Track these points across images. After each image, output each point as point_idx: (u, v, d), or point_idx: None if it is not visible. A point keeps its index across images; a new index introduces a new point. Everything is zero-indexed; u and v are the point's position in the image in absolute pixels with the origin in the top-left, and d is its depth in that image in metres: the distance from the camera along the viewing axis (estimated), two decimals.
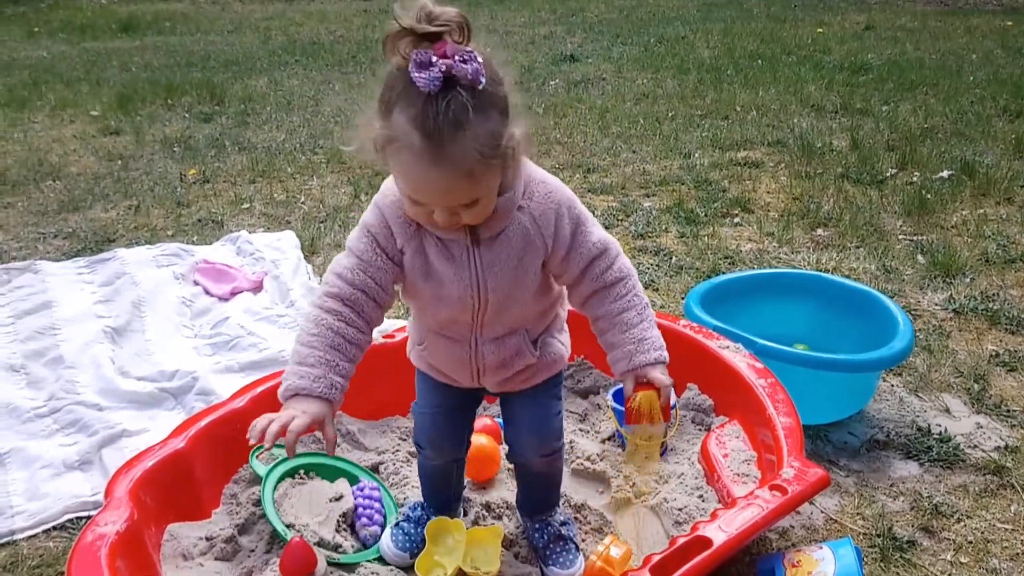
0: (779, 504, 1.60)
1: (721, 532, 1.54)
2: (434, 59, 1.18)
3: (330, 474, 1.98)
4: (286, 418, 1.35)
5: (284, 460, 1.90)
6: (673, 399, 2.13)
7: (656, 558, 1.48)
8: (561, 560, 1.73)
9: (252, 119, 5.92)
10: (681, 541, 1.52)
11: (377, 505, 1.90)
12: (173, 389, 2.44)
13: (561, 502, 1.86)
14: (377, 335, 2.31)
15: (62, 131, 5.70)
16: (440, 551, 1.72)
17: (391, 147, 1.26)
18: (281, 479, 1.90)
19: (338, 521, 1.84)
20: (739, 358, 2.11)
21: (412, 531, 1.79)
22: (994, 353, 2.65)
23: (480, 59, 1.20)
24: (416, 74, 1.18)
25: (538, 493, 1.82)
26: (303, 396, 1.39)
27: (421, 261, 1.43)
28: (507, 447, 1.83)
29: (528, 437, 1.70)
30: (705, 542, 1.52)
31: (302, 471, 1.94)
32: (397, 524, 1.83)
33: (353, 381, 2.17)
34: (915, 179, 4.18)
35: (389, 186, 1.43)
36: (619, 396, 2.08)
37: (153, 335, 2.76)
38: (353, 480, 1.98)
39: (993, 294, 3.03)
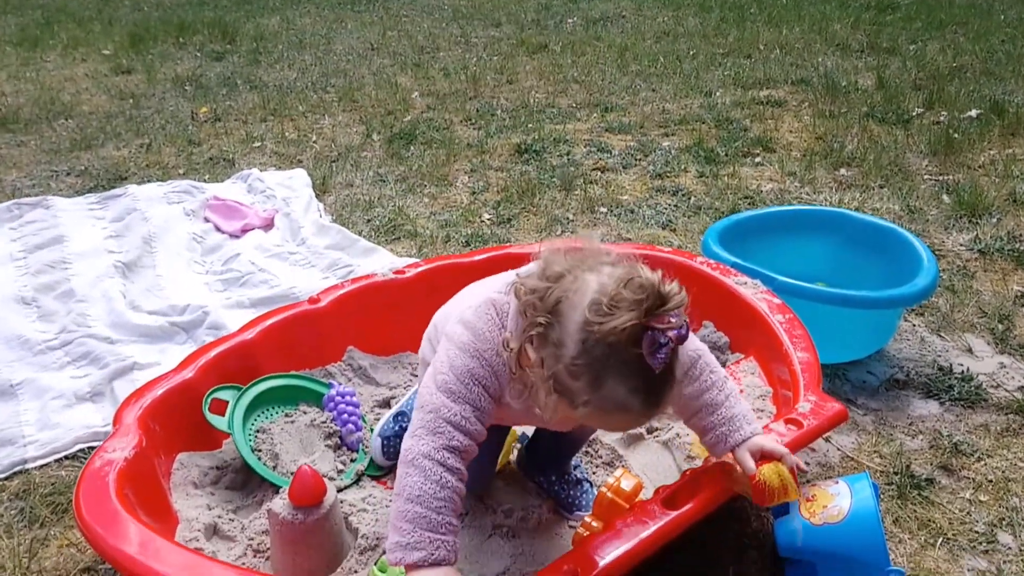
0: (794, 437, 1.57)
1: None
2: (663, 340, 1.14)
3: (289, 398, 1.96)
4: None
5: (237, 402, 1.86)
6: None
7: (667, 490, 1.46)
8: (584, 502, 1.72)
9: (264, 58, 5.83)
10: (692, 473, 1.50)
11: (352, 408, 1.92)
12: (184, 323, 2.42)
13: None
14: (387, 270, 2.28)
15: (74, 70, 5.64)
16: None
17: (597, 408, 1.20)
18: (249, 420, 1.87)
19: (328, 447, 1.85)
20: (756, 294, 2.06)
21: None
22: (1020, 294, 2.58)
23: (687, 318, 1.17)
24: (651, 358, 1.14)
25: (566, 450, 1.78)
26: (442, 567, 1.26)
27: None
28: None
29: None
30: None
31: (262, 419, 1.91)
32: (388, 438, 1.84)
33: (364, 317, 2.19)
34: (942, 118, 4.05)
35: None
36: None
37: (164, 271, 2.75)
38: (316, 396, 1.97)
39: (1020, 235, 2.94)
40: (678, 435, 1.84)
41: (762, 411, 1.80)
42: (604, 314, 1.15)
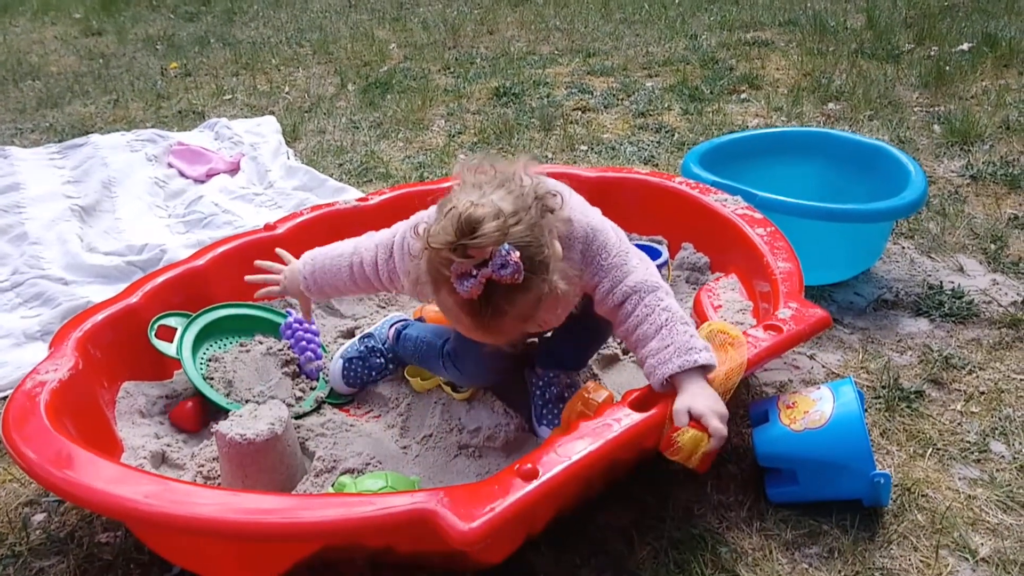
0: (773, 342, 1.47)
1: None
2: (474, 271, 1.21)
3: (245, 329, 1.87)
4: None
5: (187, 328, 1.76)
6: (664, 256, 2.01)
7: (636, 393, 1.36)
8: (555, 422, 1.62)
9: (239, 17, 5.69)
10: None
11: (311, 335, 1.82)
12: (141, 262, 2.32)
13: None
14: (351, 198, 2.17)
15: (43, 33, 5.50)
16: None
17: (446, 312, 1.32)
18: (200, 350, 1.78)
19: (286, 375, 1.76)
20: (736, 210, 1.96)
21: (363, 370, 1.76)
22: (1013, 216, 2.48)
23: (517, 255, 1.20)
24: (457, 284, 1.22)
25: (586, 347, 1.69)
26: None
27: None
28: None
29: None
30: None
31: (214, 349, 1.81)
32: (351, 360, 1.77)
33: (326, 245, 2.08)
34: (933, 53, 3.93)
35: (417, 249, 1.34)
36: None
37: (124, 214, 2.64)
38: (274, 327, 1.87)
39: (1013, 159, 2.84)
40: None
41: (742, 324, 1.70)
42: (418, 235, 1.28)
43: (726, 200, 2.01)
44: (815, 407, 1.45)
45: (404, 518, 1.14)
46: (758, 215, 1.93)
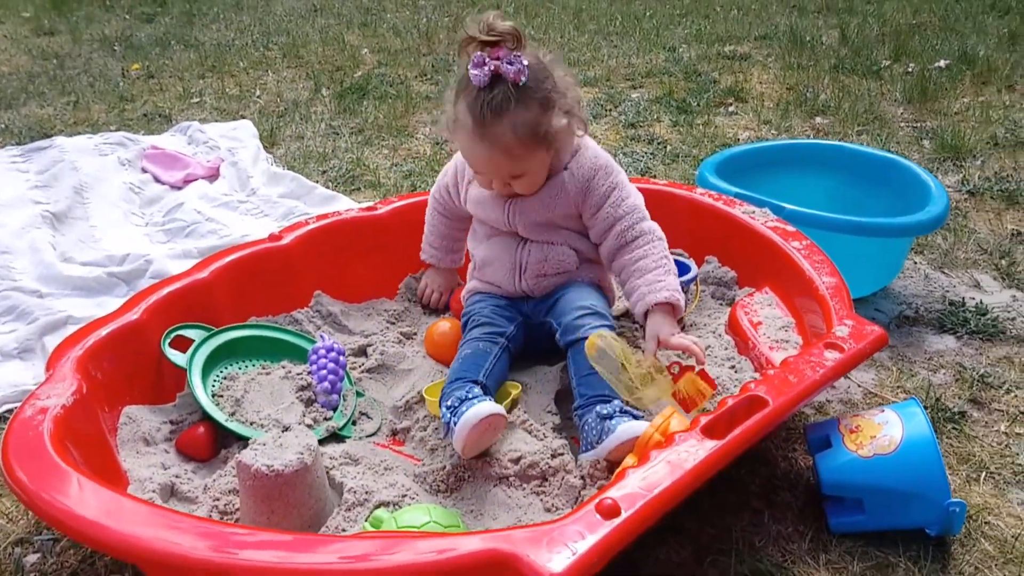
0: (837, 362, 1.40)
1: (775, 391, 1.33)
2: (487, 60, 1.48)
3: (273, 353, 1.73)
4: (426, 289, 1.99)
5: (204, 342, 1.64)
6: (694, 271, 1.93)
7: (704, 419, 1.27)
8: (602, 439, 1.46)
9: (198, 19, 5.48)
10: (731, 402, 1.31)
11: (333, 365, 1.66)
12: (123, 274, 2.15)
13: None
14: (354, 206, 2.05)
15: None
16: None
17: (455, 126, 1.58)
18: (218, 366, 1.65)
19: (300, 400, 1.62)
20: (767, 223, 1.89)
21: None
22: (1016, 231, 2.48)
23: (525, 62, 1.49)
24: (472, 71, 1.49)
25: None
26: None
27: (474, 192, 1.74)
28: (557, 332, 1.65)
29: (569, 299, 1.65)
30: (759, 402, 1.31)
31: (234, 368, 1.68)
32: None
33: (332, 259, 1.95)
34: (912, 69, 3.96)
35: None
36: None
37: (98, 221, 2.46)
38: (301, 353, 1.73)
39: (1007, 175, 2.85)
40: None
41: (787, 342, 1.63)
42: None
43: (754, 212, 1.94)
44: (882, 431, 1.38)
45: (480, 561, 1.02)
46: (790, 228, 1.87)
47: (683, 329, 1.81)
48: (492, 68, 1.47)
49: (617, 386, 1.47)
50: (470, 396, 1.45)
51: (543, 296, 1.72)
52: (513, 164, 1.56)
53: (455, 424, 1.41)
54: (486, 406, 1.40)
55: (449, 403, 1.46)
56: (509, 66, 1.47)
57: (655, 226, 1.69)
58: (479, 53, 1.48)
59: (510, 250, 1.71)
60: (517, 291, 1.73)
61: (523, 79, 1.48)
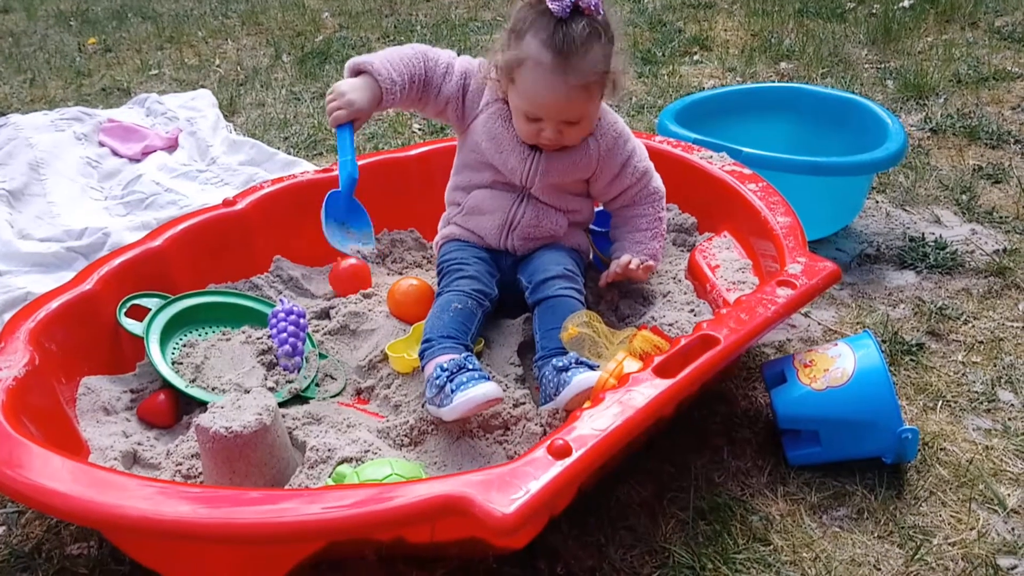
0: (789, 299, 1.41)
1: (727, 330, 1.34)
2: None
3: (233, 319, 1.72)
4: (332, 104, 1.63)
5: (161, 310, 1.62)
6: None
7: (658, 359, 1.28)
8: (559, 390, 1.45)
9: None
10: (684, 341, 1.32)
11: (294, 327, 1.64)
12: (82, 248, 2.13)
13: None
14: (311, 166, 2.03)
15: None
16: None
17: (521, 68, 1.50)
18: (177, 334, 1.64)
19: (261, 364, 1.61)
20: (724, 167, 1.89)
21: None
22: (977, 167, 2.49)
23: (601, 3, 1.47)
24: (551, 4, 1.44)
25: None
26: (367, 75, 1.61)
27: (491, 127, 1.64)
28: (527, 290, 1.64)
29: (544, 260, 1.65)
30: (710, 341, 1.32)
31: (194, 335, 1.67)
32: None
33: (293, 222, 1.94)
34: (876, 10, 3.95)
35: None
36: (600, 220, 1.85)
37: (56, 198, 2.42)
38: (261, 318, 1.72)
39: (969, 112, 2.86)
40: (653, 318, 1.66)
41: (743, 283, 1.64)
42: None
43: (711, 157, 1.94)
44: (835, 364, 1.40)
45: (435, 506, 1.03)
46: (747, 171, 1.87)
47: None
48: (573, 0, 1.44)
49: (601, 363, 1.46)
50: (470, 368, 1.41)
51: (522, 254, 1.72)
52: (587, 103, 1.53)
53: (453, 392, 1.37)
54: (492, 388, 1.38)
55: (445, 365, 1.42)
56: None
57: (659, 184, 1.74)
58: None
59: (506, 204, 1.68)
60: (500, 246, 1.71)
61: (602, 11, 1.47)
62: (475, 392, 1.36)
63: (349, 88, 1.61)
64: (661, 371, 1.26)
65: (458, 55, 1.70)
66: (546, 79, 1.48)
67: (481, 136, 1.65)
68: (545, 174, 1.64)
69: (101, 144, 2.76)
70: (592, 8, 1.45)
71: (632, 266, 1.65)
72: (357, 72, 1.63)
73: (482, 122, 1.65)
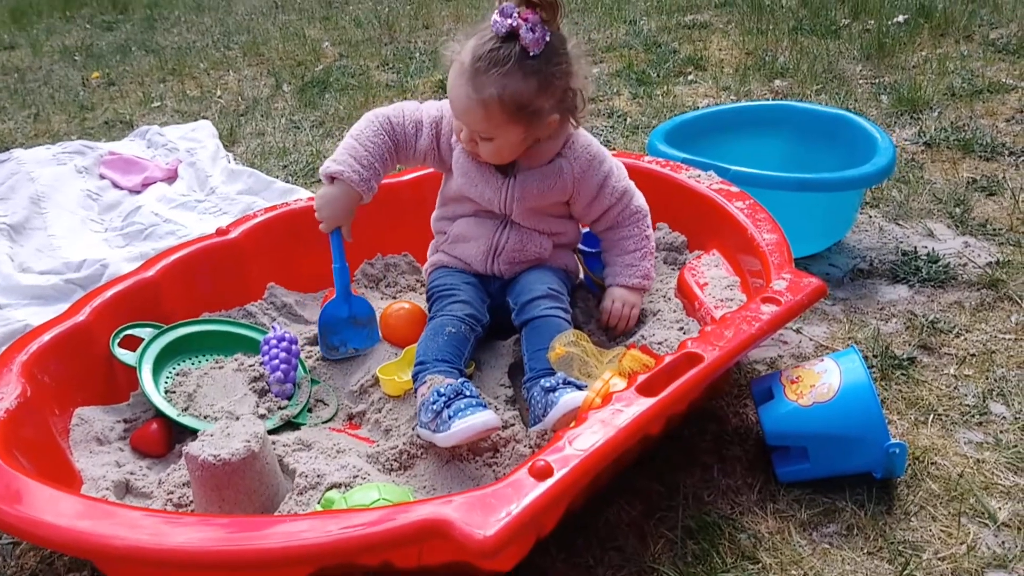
0: (773, 315, 1.41)
1: (711, 347, 1.34)
2: (513, 14, 1.44)
3: (226, 347, 1.73)
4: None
5: (154, 339, 1.64)
6: None
7: (642, 377, 1.29)
8: (548, 412, 1.46)
9: (160, 24, 5.46)
10: (668, 359, 1.33)
11: (286, 355, 1.65)
12: (81, 280, 2.16)
13: None
14: (308, 194, 2.05)
15: None
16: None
17: (455, 59, 1.53)
18: (170, 363, 1.66)
19: (253, 391, 1.62)
20: (711, 185, 1.90)
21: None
22: (971, 179, 2.49)
23: (548, 38, 1.46)
24: (495, 17, 1.45)
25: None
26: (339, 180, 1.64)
27: (462, 163, 1.67)
28: (513, 311, 1.66)
29: (530, 281, 1.67)
30: (695, 358, 1.33)
31: (187, 364, 1.69)
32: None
33: (286, 249, 1.96)
34: (870, 26, 3.97)
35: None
36: (590, 240, 1.86)
37: (57, 231, 2.46)
38: (254, 345, 1.73)
39: (963, 124, 2.86)
40: (643, 337, 1.66)
41: (731, 300, 1.64)
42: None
43: (699, 176, 1.96)
44: (821, 380, 1.40)
45: (415, 530, 1.04)
46: (734, 189, 1.88)
47: None
48: (513, 25, 1.43)
49: (589, 382, 1.46)
50: (467, 394, 1.42)
51: (509, 278, 1.73)
52: (486, 124, 1.52)
53: (451, 419, 1.37)
54: (491, 417, 1.38)
55: (442, 390, 1.42)
56: (530, 32, 1.43)
57: (642, 203, 1.75)
58: (511, 5, 1.44)
59: (489, 231, 1.70)
60: (487, 271, 1.73)
61: (536, 51, 1.45)
62: (474, 420, 1.36)
63: (324, 203, 1.66)
64: (645, 389, 1.26)
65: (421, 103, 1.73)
66: (455, 80, 1.51)
67: (456, 172, 1.68)
68: (522, 200, 1.65)
69: (102, 176, 2.80)
70: (528, 42, 1.44)
71: (614, 315, 1.72)
72: (332, 178, 1.64)
73: (455, 159, 1.68)
